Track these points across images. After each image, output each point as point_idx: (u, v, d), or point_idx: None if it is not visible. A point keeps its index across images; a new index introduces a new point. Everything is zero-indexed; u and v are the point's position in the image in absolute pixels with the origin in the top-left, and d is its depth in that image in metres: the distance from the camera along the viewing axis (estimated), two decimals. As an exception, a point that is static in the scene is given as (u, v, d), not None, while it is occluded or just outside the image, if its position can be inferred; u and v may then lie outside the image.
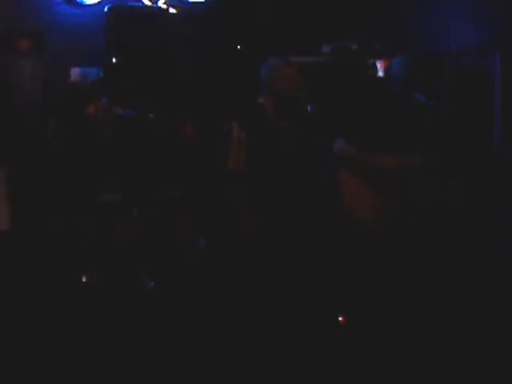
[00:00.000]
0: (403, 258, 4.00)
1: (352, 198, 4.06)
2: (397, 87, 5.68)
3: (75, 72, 6.28)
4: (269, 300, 4.00)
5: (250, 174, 4.07)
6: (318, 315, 4.01)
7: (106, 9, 6.30)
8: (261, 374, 3.58)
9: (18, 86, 5.83)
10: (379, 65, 6.17)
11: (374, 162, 4.03)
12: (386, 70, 6.01)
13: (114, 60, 6.20)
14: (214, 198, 4.57)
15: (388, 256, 3.99)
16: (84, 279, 4.66)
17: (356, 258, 4.03)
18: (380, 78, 5.96)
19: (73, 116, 5.37)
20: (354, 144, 4.11)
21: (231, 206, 4.12)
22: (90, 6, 6.47)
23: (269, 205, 4.07)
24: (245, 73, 6.24)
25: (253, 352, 3.76)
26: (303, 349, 3.77)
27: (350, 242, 4.01)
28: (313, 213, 4.12)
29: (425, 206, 4.08)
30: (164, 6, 6.60)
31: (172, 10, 6.58)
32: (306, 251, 4.05)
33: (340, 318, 4.04)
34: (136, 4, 6.57)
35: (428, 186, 4.15)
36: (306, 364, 3.66)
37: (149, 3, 6.58)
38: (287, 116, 4.23)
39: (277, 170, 4.09)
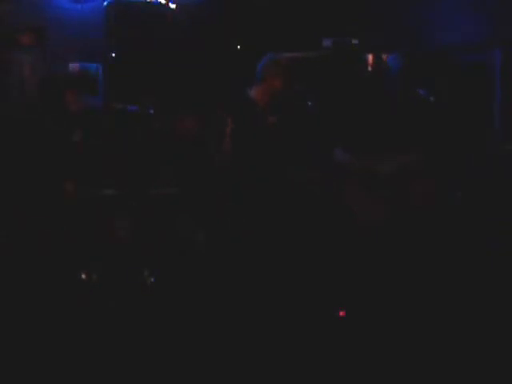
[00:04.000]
0: (403, 255, 4.00)
1: (353, 200, 4.07)
2: (394, 83, 5.67)
3: (74, 68, 6.27)
4: (268, 296, 4.01)
5: (237, 166, 4.08)
6: (317, 310, 4.02)
7: (105, 4, 6.29)
8: (260, 369, 3.58)
9: (18, 81, 5.80)
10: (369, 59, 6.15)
11: (372, 169, 4.04)
12: (374, 65, 6.01)
13: (113, 55, 6.19)
14: (211, 192, 4.58)
15: (388, 253, 3.99)
16: (83, 276, 4.65)
17: (355, 254, 4.03)
18: (381, 73, 5.95)
19: (51, 103, 5.33)
20: (353, 151, 4.12)
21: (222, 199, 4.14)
22: (90, 1, 6.45)
23: (256, 198, 4.07)
24: (244, 69, 6.23)
25: (253, 347, 3.76)
26: (303, 342, 3.77)
27: (350, 239, 4.01)
28: (303, 208, 4.13)
29: (424, 203, 4.09)
30: (163, 1, 6.58)
31: (172, 6, 6.57)
32: (295, 247, 4.05)
33: (341, 313, 4.05)
34: (136, -1, 6.57)
35: (427, 182, 4.15)
36: (305, 358, 3.66)
37: (149, -2, 6.58)
38: (276, 109, 4.24)
39: (262, 161, 4.09)
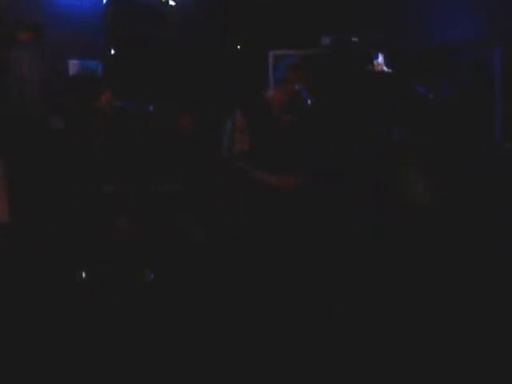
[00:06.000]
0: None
1: (402, 179, 4.12)
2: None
3: (73, 65, 6.26)
4: (274, 293, 4.01)
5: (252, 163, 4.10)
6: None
7: (104, 0, 6.27)
8: (261, 368, 3.57)
9: (16, 77, 5.80)
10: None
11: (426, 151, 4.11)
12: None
13: (112, 52, 6.18)
14: (212, 189, 4.58)
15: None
16: (83, 275, 4.63)
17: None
18: (383, 71, 5.96)
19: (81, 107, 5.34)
20: (413, 134, 4.16)
21: (230, 197, 4.14)
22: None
23: (267, 197, 4.08)
24: (244, 65, 6.23)
25: (253, 344, 3.75)
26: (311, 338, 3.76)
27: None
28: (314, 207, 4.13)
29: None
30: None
31: (171, 3, 6.56)
32: (302, 248, 4.06)
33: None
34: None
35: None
36: (311, 353, 3.65)
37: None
38: (292, 110, 4.26)
39: (276, 160, 4.11)
